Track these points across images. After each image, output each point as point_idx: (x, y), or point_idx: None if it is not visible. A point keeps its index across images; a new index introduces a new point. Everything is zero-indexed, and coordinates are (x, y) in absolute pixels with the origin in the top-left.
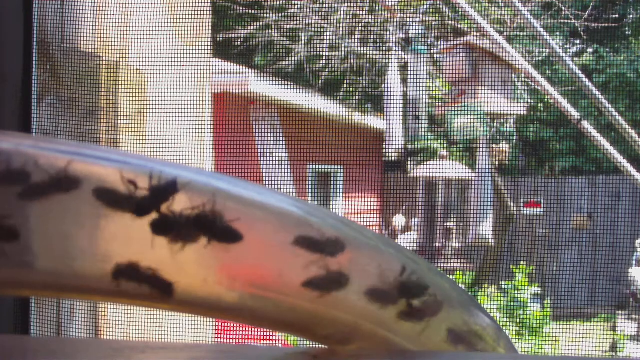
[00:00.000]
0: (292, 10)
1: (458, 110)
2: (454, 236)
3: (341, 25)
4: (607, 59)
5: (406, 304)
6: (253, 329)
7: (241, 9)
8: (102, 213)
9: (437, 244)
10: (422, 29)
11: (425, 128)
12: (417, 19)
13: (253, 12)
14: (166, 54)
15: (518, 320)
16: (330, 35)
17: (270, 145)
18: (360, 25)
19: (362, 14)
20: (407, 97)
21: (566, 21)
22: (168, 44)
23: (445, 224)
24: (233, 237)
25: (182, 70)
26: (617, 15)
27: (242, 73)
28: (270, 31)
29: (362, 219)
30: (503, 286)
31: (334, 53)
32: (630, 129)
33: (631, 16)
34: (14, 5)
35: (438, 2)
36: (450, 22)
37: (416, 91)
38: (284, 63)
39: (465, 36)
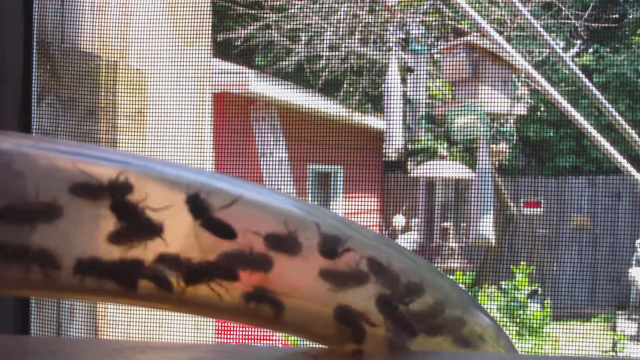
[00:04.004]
0: (292, 10)
1: (458, 110)
2: (453, 236)
3: (341, 25)
4: (607, 59)
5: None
6: (253, 329)
7: (241, 9)
8: None
9: (437, 244)
10: (422, 29)
11: (424, 127)
12: (417, 19)
13: (253, 12)
14: (166, 54)
15: (518, 320)
16: (330, 35)
17: (270, 145)
18: (360, 25)
19: (362, 14)
20: (407, 97)
21: (566, 21)
22: (168, 44)
23: (445, 224)
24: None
25: (182, 70)
26: (617, 15)
27: (242, 73)
28: (270, 31)
29: (362, 219)
30: (503, 286)
31: (334, 53)
32: (630, 129)
33: (631, 16)
34: (14, 5)
35: (438, 2)
36: (450, 22)
37: (416, 91)
38: (284, 63)
39: (465, 36)
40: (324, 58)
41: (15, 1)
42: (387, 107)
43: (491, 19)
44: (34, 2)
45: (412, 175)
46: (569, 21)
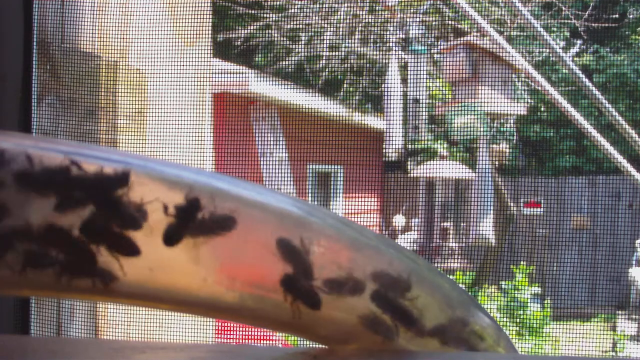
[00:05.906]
0: (292, 10)
1: (458, 110)
2: (453, 236)
3: (341, 25)
4: (607, 59)
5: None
6: (253, 329)
7: (241, 9)
8: None
9: (437, 244)
10: (422, 29)
11: (425, 128)
12: (417, 19)
13: (253, 12)
14: (166, 54)
15: (518, 320)
16: (330, 35)
17: (270, 145)
18: (360, 25)
19: (362, 14)
20: (407, 97)
21: (566, 21)
22: (168, 44)
23: (445, 224)
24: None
25: (182, 70)
26: (617, 15)
27: (242, 73)
28: (270, 31)
29: (362, 219)
30: (503, 286)
31: (334, 53)
32: (630, 129)
33: (631, 16)
34: (14, 5)
35: (438, 2)
36: (450, 22)
37: (416, 91)
38: (284, 63)
39: (465, 36)
40: (324, 58)
41: (15, 1)
42: (387, 107)
43: (491, 19)
44: (34, 2)
45: (412, 175)
46: (569, 21)
